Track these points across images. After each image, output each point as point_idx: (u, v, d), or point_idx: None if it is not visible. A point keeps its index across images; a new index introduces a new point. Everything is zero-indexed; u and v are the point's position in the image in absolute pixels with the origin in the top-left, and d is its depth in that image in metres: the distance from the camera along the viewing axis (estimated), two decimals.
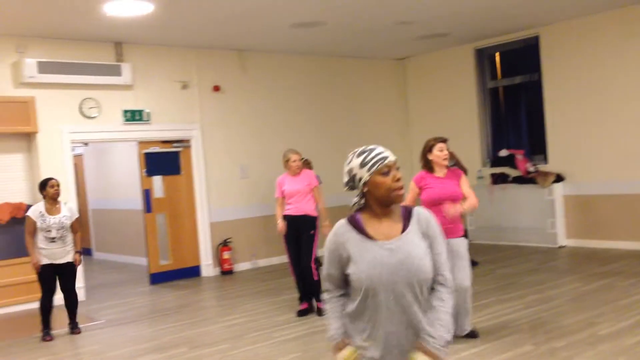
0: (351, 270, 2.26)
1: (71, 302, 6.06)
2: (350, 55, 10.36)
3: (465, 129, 10.28)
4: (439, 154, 4.80)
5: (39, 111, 7.45)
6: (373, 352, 2.26)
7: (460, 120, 10.35)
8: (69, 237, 5.93)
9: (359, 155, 2.29)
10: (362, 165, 2.26)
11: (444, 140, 4.88)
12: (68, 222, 5.91)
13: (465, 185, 4.87)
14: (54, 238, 5.81)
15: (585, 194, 8.87)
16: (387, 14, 7.76)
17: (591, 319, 5.35)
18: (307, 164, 8.39)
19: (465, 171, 7.83)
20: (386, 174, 2.24)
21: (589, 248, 8.68)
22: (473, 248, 9.27)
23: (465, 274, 4.78)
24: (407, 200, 4.70)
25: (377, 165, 2.24)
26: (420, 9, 7.66)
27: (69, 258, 5.92)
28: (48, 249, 5.82)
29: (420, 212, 2.34)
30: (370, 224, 2.29)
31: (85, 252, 10.75)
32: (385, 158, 2.25)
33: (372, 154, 2.26)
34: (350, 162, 2.30)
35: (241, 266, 9.03)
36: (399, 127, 11.07)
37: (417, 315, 2.24)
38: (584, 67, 8.83)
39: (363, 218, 2.31)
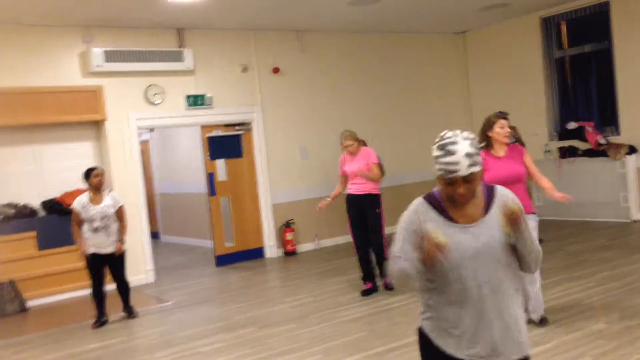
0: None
1: (122, 289, 6.14)
2: (408, 31, 10.18)
3: (531, 102, 9.95)
4: (500, 131, 4.64)
5: (106, 99, 7.68)
6: (465, 343, 2.21)
7: (526, 93, 10.02)
8: (114, 227, 5.94)
9: (437, 147, 2.18)
10: (435, 159, 2.19)
11: (505, 117, 4.71)
12: (111, 211, 5.93)
13: (530, 162, 4.72)
14: (97, 228, 5.86)
15: None
16: None
17: None
18: (363, 144, 8.34)
19: (524, 146, 7.60)
20: (450, 184, 2.17)
21: None
22: (541, 225, 9.04)
23: (536, 285, 4.67)
24: None
25: (442, 172, 2.16)
26: None
27: (114, 247, 5.96)
28: (93, 239, 5.89)
29: (503, 194, 2.28)
30: (451, 205, 2.23)
31: (154, 235, 11.11)
32: (452, 172, 2.13)
33: (443, 160, 2.14)
34: (434, 146, 2.22)
35: (304, 247, 9.12)
36: (461, 102, 10.84)
37: (505, 301, 2.19)
38: None
39: (443, 197, 2.26)
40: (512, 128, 5.14)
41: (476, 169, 2.13)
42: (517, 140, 7.55)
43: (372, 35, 9.94)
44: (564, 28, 9.80)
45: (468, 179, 2.13)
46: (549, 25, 9.84)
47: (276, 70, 9.00)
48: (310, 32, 9.31)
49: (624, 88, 8.86)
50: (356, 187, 6.32)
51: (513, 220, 2.17)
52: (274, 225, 8.94)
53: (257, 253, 8.90)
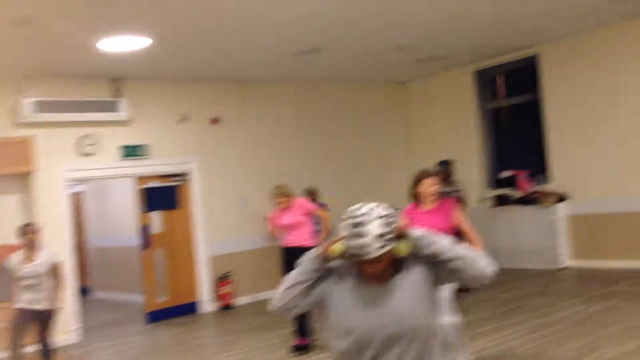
0: (333, 312, 2.18)
1: (45, 352, 5.79)
2: (351, 80, 10.39)
3: (467, 151, 10.23)
4: (426, 189, 4.74)
5: (37, 150, 7.49)
6: None
7: (462, 142, 10.31)
8: (46, 284, 5.73)
9: (346, 226, 2.10)
10: (344, 238, 2.11)
11: (433, 175, 4.82)
12: (44, 270, 5.73)
13: (461, 219, 4.78)
14: (28, 286, 5.67)
15: (588, 213, 8.75)
16: (385, 38, 7.79)
17: (594, 342, 5.23)
18: (312, 193, 8.40)
19: (463, 200, 7.79)
20: (360, 262, 2.11)
21: (593, 268, 8.52)
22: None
23: (455, 322, 4.66)
24: None
25: (351, 252, 2.10)
26: (418, 32, 7.68)
27: (43, 305, 5.73)
28: (24, 295, 5.70)
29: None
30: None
31: (86, 291, 10.74)
32: (362, 255, 2.06)
33: (353, 242, 2.06)
34: (343, 223, 2.14)
35: (242, 300, 8.94)
36: (402, 150, 11.03)
37: None
38: (585, 85, 8.77)
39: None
40: (445, 179, 5.20)
41: (387, 248, 2.07)
42: (459, 198, 7.77)
43: (315, 85, 10.09)
44: (499, 79, 10.20)
45: (379, 259, 2.07)
46: (482, 78, 10.22)
47: (215, 121, 9.00)
48: (252, 82, 9.38)
49: (554, 138, 9.20)
50: (291, 239, 6.33)
51: (401, 229, 2.12)
52: (210, 278, 8.77)
53: (191, 308, 8.65)
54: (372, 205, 2.12)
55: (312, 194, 8.30)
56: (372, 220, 2.05)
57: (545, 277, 8.41)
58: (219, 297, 8.74)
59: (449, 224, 4.71)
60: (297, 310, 2.26)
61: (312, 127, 10.02)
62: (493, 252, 9.34)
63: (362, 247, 2.04)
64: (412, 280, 2.15)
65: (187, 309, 8.62)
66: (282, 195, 6.39)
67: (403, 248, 2.12)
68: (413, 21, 7.15)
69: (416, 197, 4.77)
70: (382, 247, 2.05)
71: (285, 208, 6.38)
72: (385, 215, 2.08)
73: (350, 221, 2.09)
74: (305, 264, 2.22)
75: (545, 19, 7.79)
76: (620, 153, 8.40)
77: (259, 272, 8.92)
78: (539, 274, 8.68)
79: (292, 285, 2.22)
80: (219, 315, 8.51)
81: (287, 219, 6.34)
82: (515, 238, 9.33)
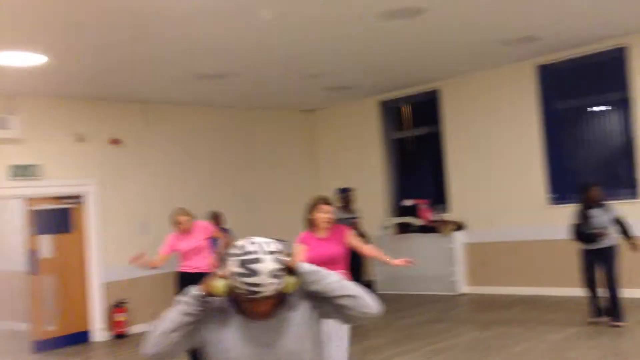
0: (216, 352, 2.05)
1: None
2: (257, 106, 10.36)
3: (372, 180, 10.42)
4: (320, 216, 4.75)
5: None
6: None
7: (367, 171, 10.49)
8: None
9: (238, 264, 1.96)
10: (234, 275, 1.97)
11: (328, 202, 4.84)
12: None
13: (353, 240, 4.82)
14: None
15: (482, 242, 9.11)
16: (293, 66, 7.84)
17: None
18: (216, 217, 8.21)
19: (359, 227, 7.90)
20: (251, 301, 1.99)
21: (487, 295, 8.85)
22: (379, 299, 9.27)
23: (342, 349, 4.64)
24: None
25: (242, 291, 1.97)
26: (325, 62, 7.79)
27: None
28: None
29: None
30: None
31: None
32: (255, 293, 1.94)
33: (245, 280, 1.93)
34: (233, 259, 2.00)
35: (139, 328, 8.57)
36: (308, 178, 11.07)
37: None
38: (480, 119, 9.20)
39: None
40: (354, 224, 5.16)
41: (280, 285, 1.99)
42: (356, 225, 7.86)
43: (221, 109, 9.99)
44: (403, 111, 10.49)
45: (270, 297, 1.98)
46: (387, 109, 10.49)
47: (115, 142, 8.68)
48: (156, 103, 9.15)
49: (452, 169, 9.55)
50: (191, 265, 6.15)
51: (290, 264, 2.04)
52: (103, 305, 8.36)
53: (82, 337, 8.18)
54: (263, 240, 2.02)
55: (216, 218, 8.14)
56: (265, 257, 1.95)
57: (443, 303, 8.62)
58: (113, 325, 8.32)
59: (344, 249, 4.73)
60: (174, 356, 2.08)
61: (218, 152, 9.89)
62: (394, 278, 9.66)
63: (255, 285, 1.94)
64: (298, 316, 2.09)
65: (78, 338, 8.14)
66: (184, 215, 6.21)
67: (292, 283, 2.05)
68: (320, 51, 7.26)
69: (311, 224, 4.77)
70: (275, 284, 1.96)
71: (186, 231, 6.20)
72: (277, 251, 2.00)
73: (242, 257, 1.96)
74: (184, 304, 2.06)
75: (446, 57, 8.15)
76: (508, 184, 8.84)
77: (156, 299, 8.56)
78: (437, 299, 8.90)
79: (170, 330, 2.04)
80: (112, 344, 8.09)
81: (186, 243, 6.16)
82: (417, 264, 9.50)
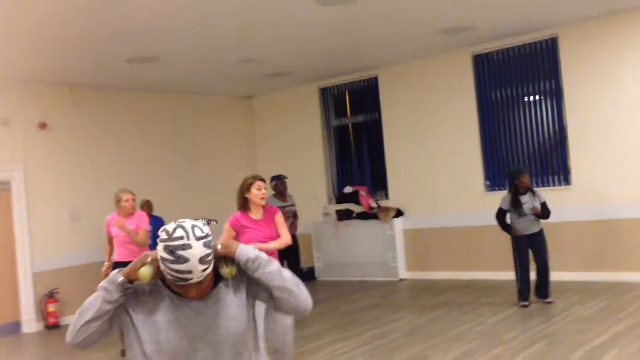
0: (145, 335, 1.97)
1: None
2: (194, 92, 10.12)
3: (312, 167, 10.39)
4: (256, 192, 4.66)
5: None
6: None
7: (307, 158, 10.44)
8: None
9: (165, 249, 1.89)
10: (162, 262, 1.90)
11: (262, 179, 4.77)
12: None
13: (279, 224, 4.76)
14: None
15: (421, 228, 9.25)
16: (230, 51, 7.67)
17: (424, 351, 5.44)
18: (147, 205, 7.97)
19: (296, 215, 7.86)
20: (181, 286, 1.94)
21: (426, 280, 9.01)
22: (320, 285, 9.43)
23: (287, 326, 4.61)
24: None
25: (172, 278, 1.91)
26: (264, 47, 7.67)
27: None
28: None
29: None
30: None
31: None
32: (184, 280, 1.89)
33: (174, 267, 1.87)
34: (160, 244, 1.91)
35: (71, 319, 8.25)
36: (246, 166, 10.92)
37: None
38: (418, 107, 9.30)
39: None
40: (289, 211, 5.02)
41: (210, 268, 1.92)
42: (293, 213, 7.78)
43: (156, 95, 9.69)
44: (342, 98, 10.47)
45: (201, 281, 1.93)
46: (327, 95, 10.45)
47: (43, 126, 8.28)
48: (86, 87, 8.78)
49: (391, 156, 9.63)
50: (126, 253, 5.93)
51: (227, 252, 2.00)
52: (33, 296, 8.00)
53: (12, 328, 7.83)
54: (192, 223, 1.94)
55: (147, 206, 7.91)
56: (194, 242, 1.88)
57: (383, 289, 8.71)
58: (45, 315, 7.99)
59: (274, 234, 4.67)
60: (97, 342, 2.01)
61: (152, 138, 9.61)
62: (335, 264, 9.69)
63: (184, 271, 1.87)
64: (233, 297, 2.04)
65: (8, 330, 7.78)
66: (130, 192, 6.01)
67: (229, 271, 2.00)
68: (259, 36, 7.12)
69: (245, 204, 4.68)
70: (206, 269, 1.90)
71: (128, 213, 5.98)
72: (206, 235, 1.93)
73: (169, 243, 1.89)
74: (106, 292, 1.97)
75: (384, 44, 8.17)
76: (447, 170, 8.98)
77: (90, 289, 8.22)
78: (378, 285, 8.98)
79: (92, 318, 1.96)
80: (44, 335, 7.77)
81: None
82: (357, 251, 9.60)
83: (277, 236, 4.67)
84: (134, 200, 6.07)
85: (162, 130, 9.77)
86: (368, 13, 6.57)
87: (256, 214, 4.67)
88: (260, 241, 4.48)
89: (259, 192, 4.64)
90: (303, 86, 10.42)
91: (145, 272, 1.95)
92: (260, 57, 8.15)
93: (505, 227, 6.76)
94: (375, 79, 9.75)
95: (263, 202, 4.69)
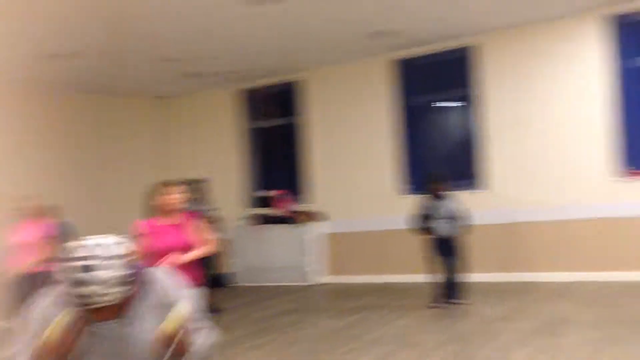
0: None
1: None
2: (107, 91, 9.71)
3: (229, 170, 10.20)
4: (166, 198, 4.47)
5: None
6: None
7: (224, 161, 10.25)
8: None
9: (69, 270, 1.72)
10: (67, 283, 1.72)
11: (176, 183, 4.58)
12: None
13: (199, 229, 4.59)
14: None
15: (341, 232, 9.26)
16: (147, 50, 7.39)
17: (342, 355, 5.39)
18: (50, 211, 7.52)
19: (215, 219, 7.70)
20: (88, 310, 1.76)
21: (346, 284, 9.01)
22: (237, 291, 9.24)
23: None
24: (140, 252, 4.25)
25: (77, 301, 1.74)
26: (183, 47, 7.44)
27: None
28: None
29: (153, 279, 1.93)
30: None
31: None
32: (89, 304, 1.72)
33: (78, 291, 1.70)
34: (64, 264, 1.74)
35: None
36: (162, 168, 10.58)
37: None
38: (340, 111, 9.32)
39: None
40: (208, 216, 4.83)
41: (121, 291, 1.74)
42: (211, 217, 7.60)
43: (67, 92, 9.22)
44: (261, 101, 10.34)
45: (111, 305, 1.75)
46: (245, 98, 10.29)
47: None
48: None
49: (311, 160, 9.59)
50: (28, 262, 5.57)
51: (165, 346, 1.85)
52: None
53: None
54: (101, 241, 1.76)
55: (51, 212, 7.48)
56: (101, 264, 1.71)
57: (301, 294, 8.63)
58: None
59: (189, 240, 4.48)
60: None
61: (62, 139, 9.14)
62: (253, 270, 9.53)
63: (89, 296, 1.70)
64: (148, 316, 1.90)
65: None
66: (31, 198, 5.62)
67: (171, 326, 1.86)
68: (178, 35, 6.91)
69: (155, 210, 4.47)
70: (113, 293, 1.73)
71: (32, 218, 5.60)
72: (120, 256, 1.75)
73: (74, 264, 1.71)
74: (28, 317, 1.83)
75: (307, 47, 8.14)
76: (367, 175, 9.05)
77: None
78: (295, 290, 8.89)
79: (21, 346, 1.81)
80: None
81: (27, 233, 5.54)
82: (274, 256, 9.49)
83: (189, 243, 4.47)
84: (35, 205, 5.69)
85: (72, 130, 9.31)
86: (292, 15, 6.51)
87: (169, 219, 4.47)
88: (166, 249, 4.27)
89: (171, 197, 4.45)
90: (223, 87, 10.22)
91: (55, 332, 1.75)
92: (180, 56, 7.92)
93: (423, 231, 6.85)
94: (298, 82, 9.69)
95: (176, 208, 4.49)
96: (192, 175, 9.13)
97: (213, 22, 6.50)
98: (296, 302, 8.12)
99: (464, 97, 8.53)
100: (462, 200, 6.98)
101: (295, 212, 9.51)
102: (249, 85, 10.10)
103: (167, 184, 4.51)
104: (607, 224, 7.46)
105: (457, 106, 8.72)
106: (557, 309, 6.29)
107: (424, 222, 6.82)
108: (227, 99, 10.27)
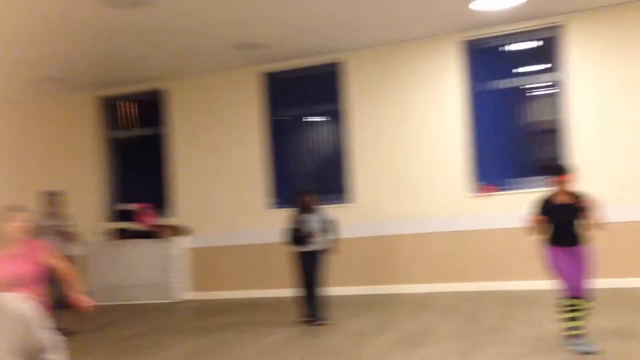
0: None
1: None
2: None
3: (87, 182, 9.55)
4: (14, 225, 4.01)
5: None
6: None
7: (82, 172, 9.59)
8: None
9: None
10: None
11: (20, 210, 4.11)
12: None
13: (49, 259, 4.15)
14: None
15: (207, 246, 8.98)
16: None
17: None
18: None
19: (72, 235, 7.16)
20: None
21: (211, 300, 8.73)
22: (93, 311, 8.51)
23: None
24: None
25: None
26: (37, 48, 6.83)
27: None
28: None
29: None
30: None
31: None
32: None
33: None
34: None
35: None
36: (9, 179, 9.69)
37: None
38: (207, 123, 9.09)
39: None
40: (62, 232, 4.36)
41: None
42: (68, 233, 7.02)
43: None
44: (127, 110, 9.81)
45: None
46: (108, 106, 9.72)
47: None
48: None
49: (178, 172, 9.24)
50: None
51: None
52: None
53: None
54: None
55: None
56: None
57: (163, 312, 8.23)
58: None
59: (38, 268, 4.06)
60: None
61: None
62: (111, 288, 8.94)
63: None
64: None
65: None
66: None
67: None
68: (32, 35, 6.35)
69: None
70: None
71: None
72: None
73: None
74: None
75: (172, 56, 7.85)
76: (231, 189, 8.87)
77: None
78: (158, 308, 8.47)
79: None
80: None
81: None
82: (136, 272, 9.00)
83: (36, 274, 4.03)
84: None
85: None
86: (156, 22, 6.20)
87: (11, 248, 4.00)
88: (9, 280, 3.83)
89: (17, 225, 3.99)
90: (81, 93, 9.58)
91: None
92: (32, 59, 7.29)
93: (292, 245, 6.77)
94: (163, 91, 9.31)
95: (21, 238, 4.02)
96: (48, 187, 8.41)
97: (69, 22, 6.03)
98: (158, 321, 7.71)
99: (332, 112, 8.63)
100: (330, 214, 7.01)
101: (158, 226, 9.08)
102: (112, 92, 9.55)
103: (11, 209, 4.04)
104: (462, 237, 7.85)
105: (325, 121, 8.81)
106: (419, 321, 6.46)
107: (294, 236, 6.75)
108: (85, 106, 9.64)
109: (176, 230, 8.97)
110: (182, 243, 8.96)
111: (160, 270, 8.92)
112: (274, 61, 8.54)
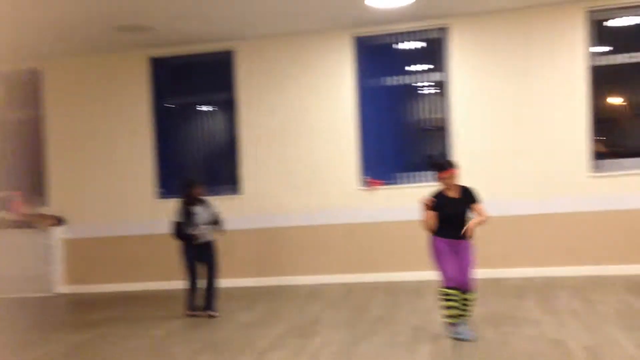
0: None
1: None
2: None
3: None
4: None
5: None
6: None
7: None
8: None
9: None
10: None
11: None
12: None
13: None
14: None
15: (86, 237, 8.52)
16: None
17: None
18: None
19: None
20: None
21: (90, 294, 8.30)
22: None
23: None
24: None
25: None
26: None
27: None
28: None
29: None
30: None
31: None
32: None
33: None
34: None
35: None
36: None
37: None
38: (87, 107, 8.63)
39: None
40: None
41: None
42: None
43: None
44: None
45: None
46: None
47: None
48: None
49: (53, 159, 8.68)
50: None
51: None
52: None
53: None
54: None
55: None
56: None
57: (38, 307, 7.70)
58: None
59: None
60: None
61: None
62: None
63: None
64: None
65: None
66: None
67: None
68: None
69: None
70: None
71: None
72: None
73: None
74: None
75: (47, 37, 7.35)
76: (114, 178, 8.48)
77: None
78: (32, 303, 7.93)
79: None
80: None
81: None
82: (5, 264, 8.32)
83: None
84: None
85: None
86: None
87: None
88: None
89: None
90: None
91: None
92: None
93: (180, 236, 6.57)
94: (36, 71, 8.68)
95: None
96: None
97: None
98: (31, 316, 7.20)
99: (223, 102, 8.46)
100: (218, 205, 6.87)
101: (31, 215, 8.48)
102: None
103: None
104: (351, 229, 7.99)
105: (217, 110, 8.62)
106: (308, 312, 6.50)
107: (181, 227, 6.55)
108: None
109: (51, 220, 8.42)
110: (58, 233, 8.43)
111: (33, 262, 8.34)
112: (162, 46, 8.22)
